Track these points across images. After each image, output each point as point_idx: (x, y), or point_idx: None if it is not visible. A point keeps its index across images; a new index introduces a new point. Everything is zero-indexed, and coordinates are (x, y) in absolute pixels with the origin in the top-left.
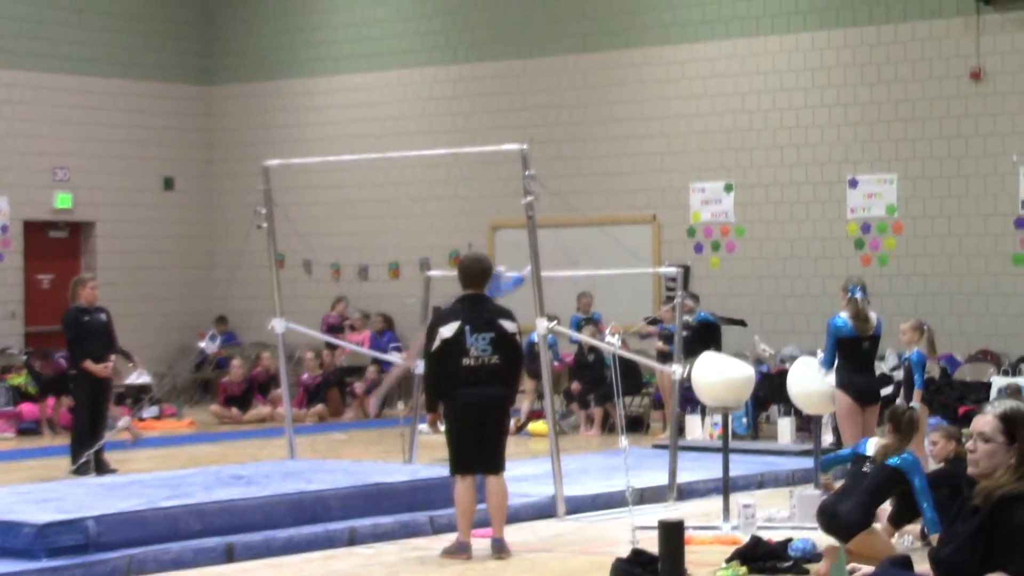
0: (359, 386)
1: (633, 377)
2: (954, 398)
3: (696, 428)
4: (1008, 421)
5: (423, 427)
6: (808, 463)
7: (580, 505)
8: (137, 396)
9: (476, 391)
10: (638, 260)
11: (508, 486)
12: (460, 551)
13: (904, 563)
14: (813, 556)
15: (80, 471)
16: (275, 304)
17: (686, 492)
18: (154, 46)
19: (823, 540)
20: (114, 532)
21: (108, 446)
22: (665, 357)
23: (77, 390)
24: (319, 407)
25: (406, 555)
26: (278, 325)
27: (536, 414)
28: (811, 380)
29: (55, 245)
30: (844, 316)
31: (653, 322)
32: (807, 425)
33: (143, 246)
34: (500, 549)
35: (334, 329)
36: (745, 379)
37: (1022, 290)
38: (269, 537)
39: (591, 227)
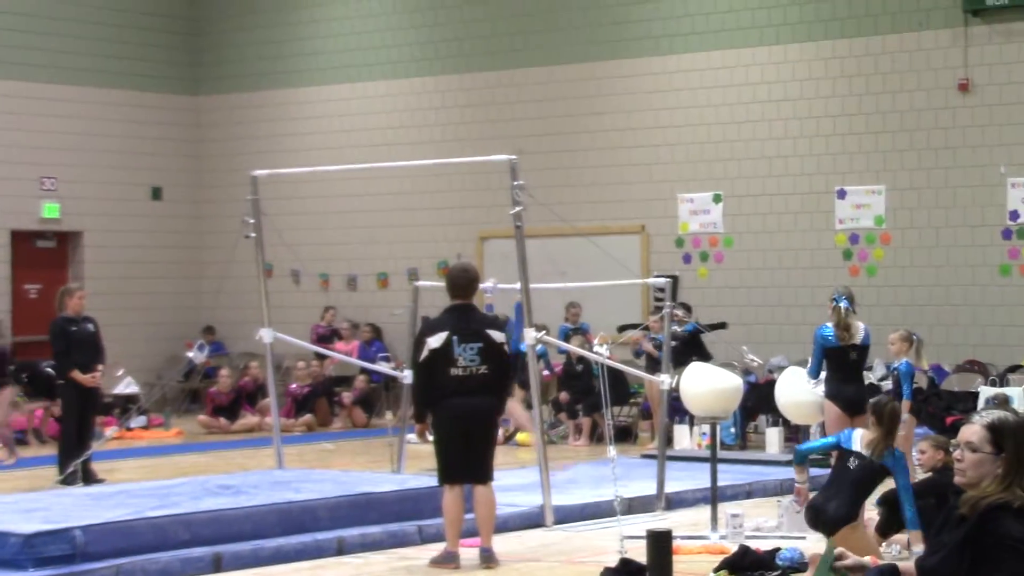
0: (347, 396)
1: (621, 387)
2: (941, 408)
3: (684, 438)
4: (995, 431)
5: (411, 437)
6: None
7: (568, 515)
8: (125, 406)
9: (464, 401)
10: (626, 270)
11: (496, 496)
12: (448, 561)
13: (891, 572)
14: (801, 565)
15: (67, 481)
16: (263, 314)
17: (674, 502)
18: (143, 56)
19: (810, 549)
20: (101, 542)
21: (95, 456)
22: (655, 363)
23: (64, 400)
24: (307, 417)
25: (394, 565)
26: (266, 335)
27: None
28: (799, 390)
29: (42, 255)
30: (829, 325)
31: (633, 327)
32: (795, 435)
33: (131, 256)
34: (488, 559)
35: (323, 339)
36: (733, 389)
37: (1009, 301)
38: (257, 547)
39: (580, 237)
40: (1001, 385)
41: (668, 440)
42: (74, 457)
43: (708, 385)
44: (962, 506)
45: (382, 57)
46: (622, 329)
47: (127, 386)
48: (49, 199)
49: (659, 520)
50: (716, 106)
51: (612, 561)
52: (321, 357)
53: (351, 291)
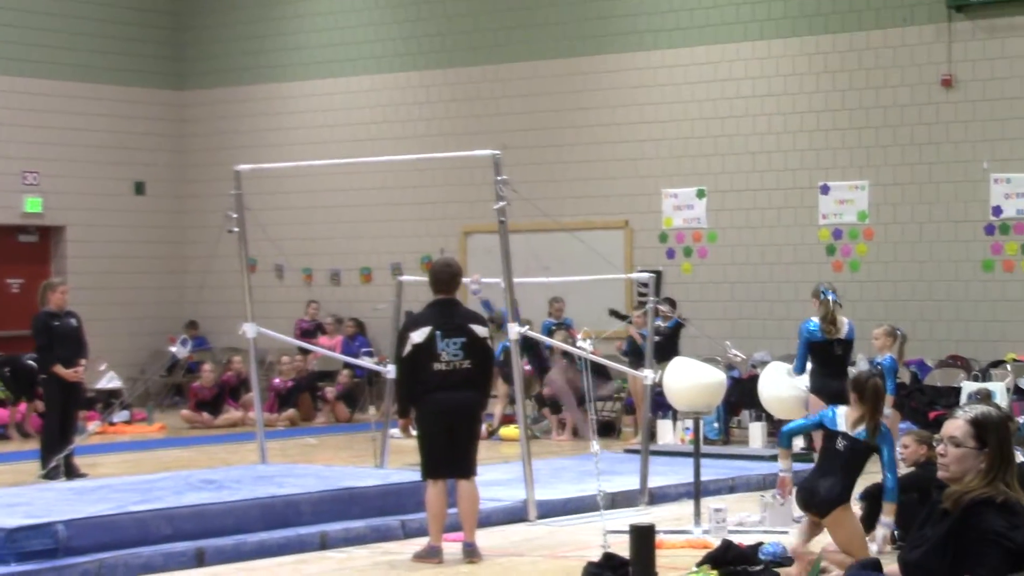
0: (331, 391)
1: (604, 382)
2: (924, 403)
3: (668, 433)
4: (979, 426)
5: (395, 432)
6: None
7: (551, 509)
8: (107, 400)
9: (447, 396)
10: (610, 266)
11: (479, 490)
12: (431, 555)
13: (874, 566)
14: (784, 560)
15: (50, 475)
16: (246, 309)
17: (657, 496)
18: (126, 51)
19: (793, 543)
20: (84, 536)
21: (78, 450)
22: (638, 359)
23: (47, 395)
24: (290, 412)
25: (377, 559)
26: (249, 330)
27: (508, 419)
28: (782, 385)
29: (25, 250)
30: (814, 320)
31: (621, 318)
32: (778, 430)
33: (114, 251)
34: (471, 553)
35: (307, 334)
36: (716, 384)
37: (992, 296)
38: (240, 541)
39: (563, 232)
40: (984, 380)
41: (651, 435)
42: (56, 452)
43: (691, 380)
44: (945, 501)
45: (365, 52)
46: (613, 313)
47: (110, 381)
48: (32, 194)
49: (642, 515)
50: (700, 101)
51: (595, 556)
52: (304, 352)
53: (334, 286)
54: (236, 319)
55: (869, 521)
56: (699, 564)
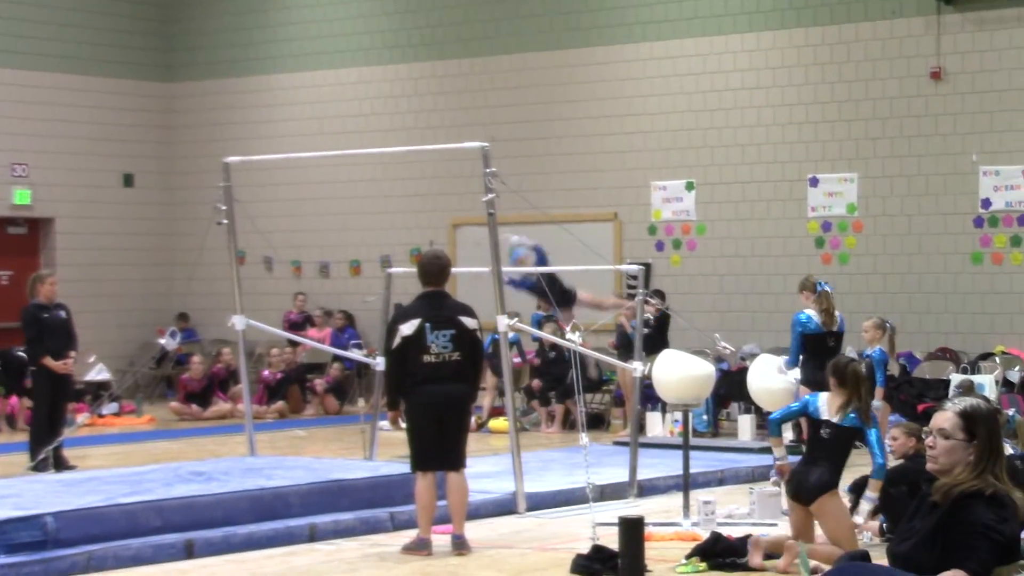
0: (320, 383)
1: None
2: (913, 395)
3: (657, 425)
4: (968, 418)
5: (384, 424)
6: (768, 460)
7: (541, 502)
8: (96, 392)
9: (437, 388)
10: (599, 258)
11: (469, 483)
12: (420, 547)
13: (863, 559)
14: (773, 552)
15: (39, 468)
16: (235, 301)
17: (646, 489)
18: (115, 42)
19: (782, 536)
20: (73, 528)
21: (67, 442)
22: (628, 350)
23: (36, 387)
24: (279, 404)
25: (366, 551)
26: (238, 322)
27: (497, 411)
28: (771, 377)
29: (14, 241)
30: (809, 312)
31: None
32: (767, 422)
33: (103, 243)
34: (460, 545)
35: (296, 326)
36: (706, 376)
37: (981, 288)
38: (229, 533)
39: (552, 225)
40: (973, 373)
41: (640, 427)
42: (45, 444)
43: (680, 372)
44: (935, 493)
45: (354, 44)
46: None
47: (99, 373)
48: (20, 185)
49: (631, 507)
50: (689, 94)
51: (584, 548)
52: (293, 344)
53: (324, 278)
54: (225, 311)
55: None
56: (688, 556)
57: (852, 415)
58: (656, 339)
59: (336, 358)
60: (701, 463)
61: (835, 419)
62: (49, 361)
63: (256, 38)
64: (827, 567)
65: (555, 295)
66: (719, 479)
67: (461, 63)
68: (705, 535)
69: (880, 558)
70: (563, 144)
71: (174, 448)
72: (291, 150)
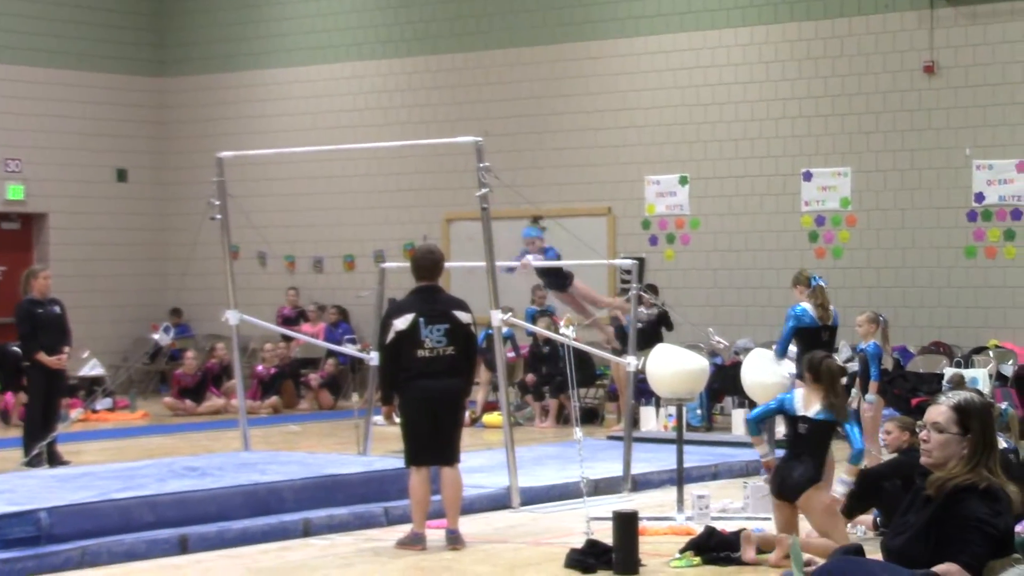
0: (314, 378)
1: (587, 369)
2: (907, 390)
3: (650, 420)
4: (962, 412)
5: (378, 419)
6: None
7: (535, 496)
8: (90, 388)
9: (431, 383)
10: (593, 252)
11: (463, 477)
12: (414, 542)
13: (856, 553)
14: (764, 547)
15: (32, 463)
16: (229, 296)
17: (640, 483)
18: (108, 37)
19: (775, 530)
20: (67, 524)
21: (61, 438)
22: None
23: (30, 382)
24: (273, 399)
25: (360, 546)
26: (232, 317)
27: (491, 406)
28: (765, 372)
29: (7, 237)
30: (804, 306)
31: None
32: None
33: (96, 238)
34: (454, 540)
35: (290, 321)
36: (699, 371)
37: (974, 283)
38: (223, 528)
39: (546, 219)
40: (966, 367)
41: (634, 422)
42: (39, 439)
43: (674, 367)
44: (928, 487)
45: (348, 39)
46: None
47: (92, 368)
48: (13, 181)
49: (625, 501)
50: (683, 88)
51: (578, 542)
52: (287, 339)
53: (317, 273)
54: (219, 306)
55: (851, 509)
56: (682, 551)
57: (823, 412)
58: (652, 335)
59: (330, 353)
60: (695, 457)
61: (810, 413)
62: (43, 357)
63: (249, 33)
64: (821, 560)
65: (552, 274)
66: (713, 473)
67: (455, 58)
68: (699, 529)
69: (874, 552)
70: (556, 139)
71: (168, 443)
72: (284, 145)
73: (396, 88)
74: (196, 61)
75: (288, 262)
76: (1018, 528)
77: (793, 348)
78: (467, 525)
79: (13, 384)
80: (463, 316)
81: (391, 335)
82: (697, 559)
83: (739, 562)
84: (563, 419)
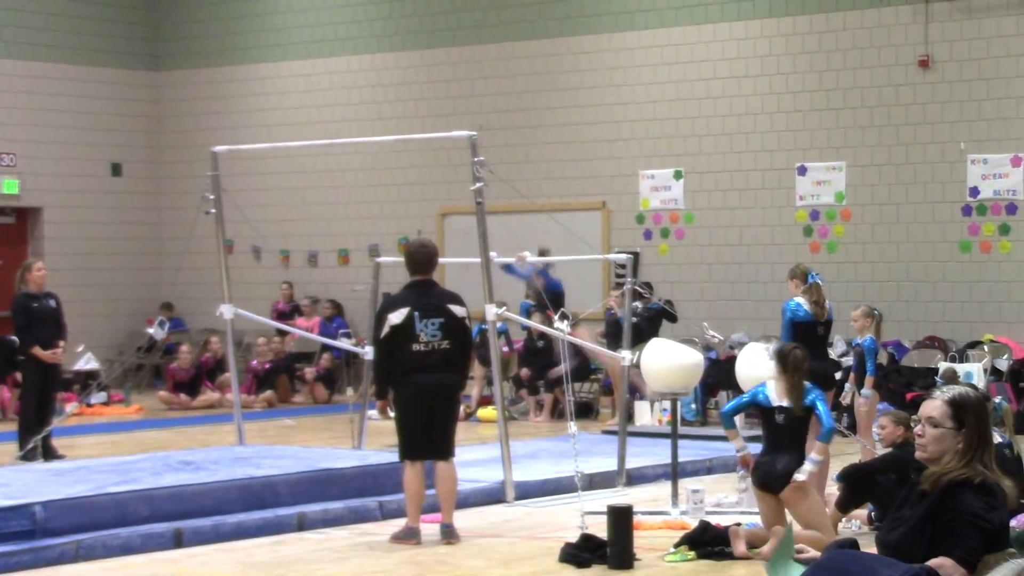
0: (308, 372)
1: (582, 363)
2: (902, 384)
3: (645, 414)
4: (957, 407)
5: (372, 413)
6: (756, 448)
7: (529, 490)
8: (85, 382)
9: (426, 377)
10: (587, 247)
11: (458, 472)
12: (409, 536)
13: (851, 547)
14: (754, 543)
15: (27, 457)
16: (223, 290)
17: (635, 477)
18: (102, 31)
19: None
20: (62, 518)
21: (56, 432)
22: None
23: (25, 376)
24: (268, 393)
25: (355, 540)
26: (226, 311)
27: (486, 400)
28: (760, 366)
29: (1, 231)
30: (799, 300)
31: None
32: (720, 416)
33: (91, 232)
34: (449, 534)
35: (284, 315)
36: (694, 365)
37: (969, 277)
38: (218, 522)
39: (540, 214)
40: (961, 361)
41: (629, 416)
42: (34, 433)
43: (669, 361)
44: (923, 482)
45: (342, 33)
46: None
47: (87, 362)
48: (8, 175)
49: (620, 496)
50: (677, 82)
51: (573, 537)
52: (282, 333)
53: (312, 267)
54: (213, 300)
55: (845, 503)
56: (677, 545)
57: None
58: (647, 331)
59: (325, 347)
60: (689, 452)
61: (786, 403)
62: (38, 351)
63: (244, 27)
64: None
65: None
66: (707, 468)
67: (449, 52)
68: (694, 524)
69: (869, 546)
70: (551, 133)
71: (163, 437)
72: (279, 139)
73: (391, 82)
74: (191, 55)
75: (283, 256)
76: (1013, 523)
77: None
78: (462, 519)
79: (5, 377)
80: (458, 310)
81: (386, 329)
82: (692, 553)
83: (733, 557)
84: (558, 414)
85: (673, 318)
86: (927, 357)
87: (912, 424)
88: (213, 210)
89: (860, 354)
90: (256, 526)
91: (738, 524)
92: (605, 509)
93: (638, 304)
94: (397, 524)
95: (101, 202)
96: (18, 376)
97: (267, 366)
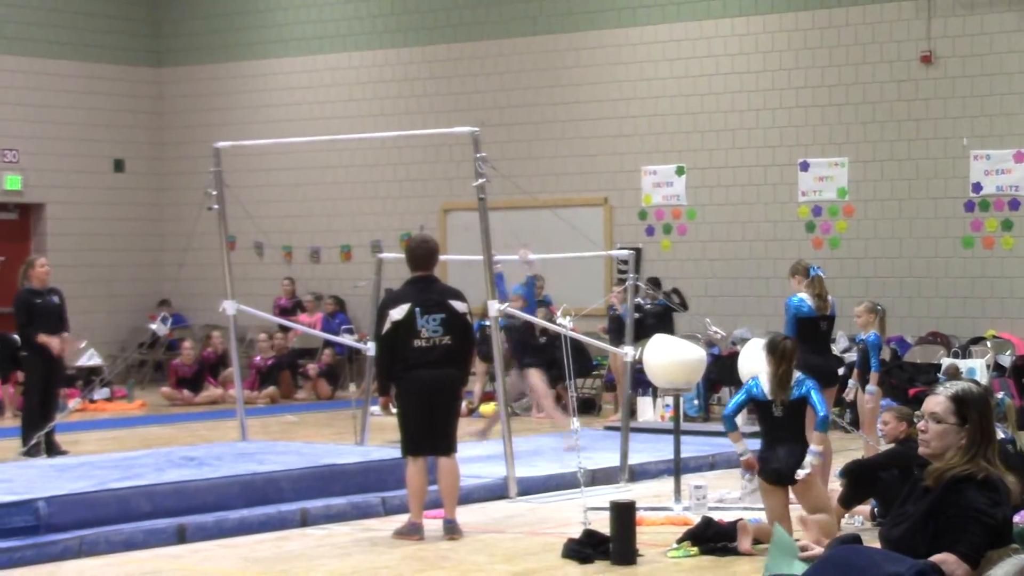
0: (311, 368)
1: (584, 359)
2: (904, 380)
3: (648, 410)
4: (960, 402)
5: (375, 409)
6: (758, 445)
7: (532, 486)
8: (88, 378)
9: (428, 373)
10: (590, 243)
11: (460, 467)
12: (412, 532)
13: (854, 541)
14: (760, 538)
15: (30, 453)
16: (226, 286)
17: (638, 473)
18: (105, 28)
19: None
20: (65, 513)
21: (59, 428)
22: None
23: (28, 372)
24: (271, 389)
25: (358, 536)
26: (229, 307)
27: (488, 396)
28: (762, 362)
29: (4, 227)
30: (801, 295)
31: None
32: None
33: (93, 228)
34: (452, 530)
35: (287, 311)
36: (696, 361)
37: (972, 273)
38: (221, 518)
39: (543, 210)
40: (964, 357)
41: (632, 412)
42: (37, 429)
43: (671, 357)
44: (927, 478)
45: (344, 29)
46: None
47: (90, 358)
48: (10, 171)
49: (622, 492)
50: (679, 78)
51: (576, 532)
52: (285, 329)
53: (314, 263)
54: (216, 297)
55: (848, 499)
56: (679, 541)
57: (794, 391)
58: (655, 328)
59: (327, 343)
60: (692, 448)
61: (782, 395)
62: (43, 337)
63: (246, 23)
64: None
65: (523, 331)
66: (710, 464)
67: (451, 48)
68: (696, 520)
69: (872, 542)
70: (553, 129)
71: (166, 433)
72: (281, 135)
73: (393, 78)
74: (193, 51)
75: (285, 252)
76: (1016, 518)
77: None
78: (464, 515)
79: (7, 374)
80: (459, 306)
81: (387, 325)
82: (694, 549)
83: (736, 552)
84: (560, 409)
85: (682, 307)
86: (930, 353)
87: (915, 420)
88: (215, 206)
89: (864, 350)
90: (259, 522)
91: (738, 520)
92: (608, 505)
93: (646, 300)
94: (400, 520)
95: (103, 198)
96: (19, 375)
97: (270, 362)
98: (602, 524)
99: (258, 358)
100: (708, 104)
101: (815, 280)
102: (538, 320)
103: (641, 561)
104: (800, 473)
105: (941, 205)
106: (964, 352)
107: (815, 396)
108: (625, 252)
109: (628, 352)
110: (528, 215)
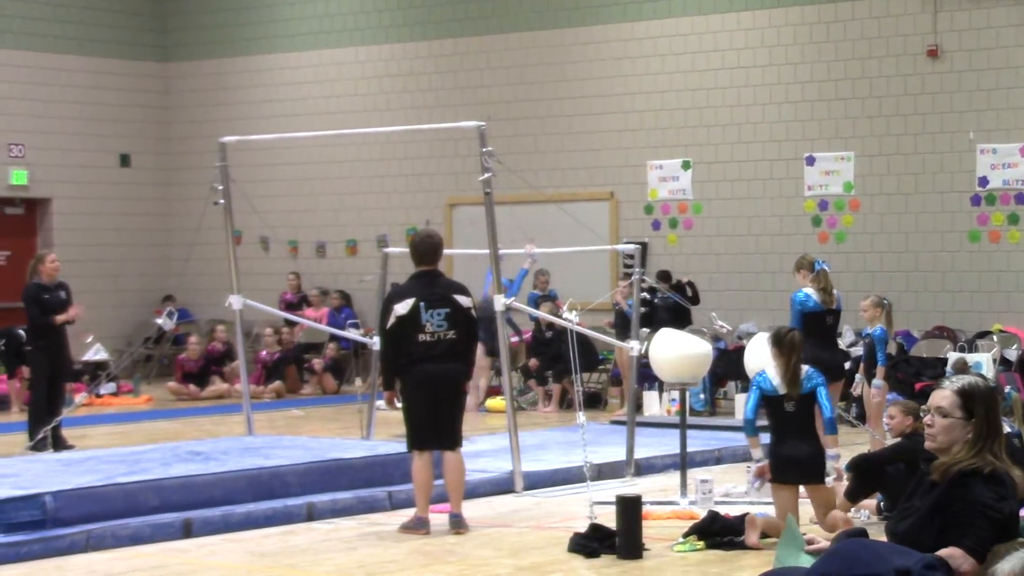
0: (317, 362)
1: (590, 354)
2: (911, 374)
3: (654, 404)
4: (966, 396)
5: (380, 403)
6: (765, 439)
7: (538, 481)
8: (94, 373)
9: (432, 367)
10: (596, 237)
11: (466, 462)
12: (418, 526)
13: (861, 535)
14: (768, 532)
15: (37, 447)
16: (232, 281)
17: (644, 468)
18: (111, 23)
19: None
20: (72, 508)
21: (66, 422)
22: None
23: (34, 367)
24: (277, 384)
25: (364, 530)
26: (235, 302)
27: (494, 390)
28: (768, 356)
29: (11, 222)
30: (807, 291)
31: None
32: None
33: (100, 223)
34: (458, 524)
35: (292, 306)
36: (703, 355)
37: (978, 267)
38: (227, 512)
39: (549, 204)
40: (970, 351)
41: (638, 406)
42: (44, 423)
43: (677, 351)
44: (933, 472)
45: (350, 24)
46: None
47: (96, 353)
48: (17, 166)
49: (629, 486)
50: (685, 72)
51: (582, 527)
52: (291, 324)
53: (320, 258)
54: (222, 291)
55: (855, 493)
56: (685, 535)
57: (807, 381)
58: (668, 320)
59: (333, 338)
60: (698, 442)
61: (794, 390)
62: (61, 316)
63: (252, 18)
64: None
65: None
66: (716, 458)
67: (457, 42)
68: (702, 514)
69: (878, 536)
70: (559, 123)
71: (172, 428)
72: (287, 130)
73: (399, 73)
74: (199, 46)
75: (291, 247)
76: (1023, 512)
77: None
78: (470, 509)
79: (14, 369)
80: (463, 300)
81: (392, 320)
82: (700, 543)
83: (742, 546)
84: (566, 404)
85: (690, 301)
86: (936, 347)
87: (921, 414)
88: (222, 201)
89: (870, 344)
90: (265, 516)
91: (745, 514)
92: (614, 499)
93: (656, 293)
94: (406, 514)
95: (110, 193)
96: (25, 370)
97: (276, 357)
98: (608, 518)
99: (264, 353)
100: (714, 98)
101: (820, 274)
102: (544, 315)
103: (647, 555)
104: (829, 481)
105: (947, 199)
106: (970, 346)
107: (822, 394)
108: (631, 247)
109: (634, 346)
110: (534, 209)
